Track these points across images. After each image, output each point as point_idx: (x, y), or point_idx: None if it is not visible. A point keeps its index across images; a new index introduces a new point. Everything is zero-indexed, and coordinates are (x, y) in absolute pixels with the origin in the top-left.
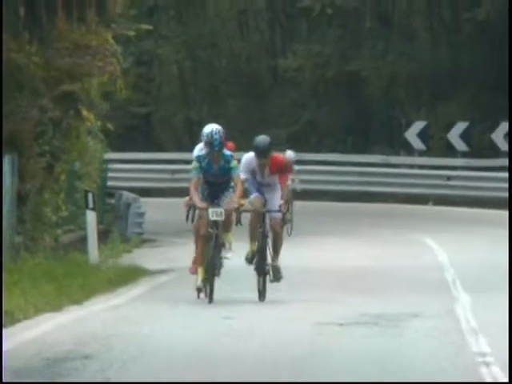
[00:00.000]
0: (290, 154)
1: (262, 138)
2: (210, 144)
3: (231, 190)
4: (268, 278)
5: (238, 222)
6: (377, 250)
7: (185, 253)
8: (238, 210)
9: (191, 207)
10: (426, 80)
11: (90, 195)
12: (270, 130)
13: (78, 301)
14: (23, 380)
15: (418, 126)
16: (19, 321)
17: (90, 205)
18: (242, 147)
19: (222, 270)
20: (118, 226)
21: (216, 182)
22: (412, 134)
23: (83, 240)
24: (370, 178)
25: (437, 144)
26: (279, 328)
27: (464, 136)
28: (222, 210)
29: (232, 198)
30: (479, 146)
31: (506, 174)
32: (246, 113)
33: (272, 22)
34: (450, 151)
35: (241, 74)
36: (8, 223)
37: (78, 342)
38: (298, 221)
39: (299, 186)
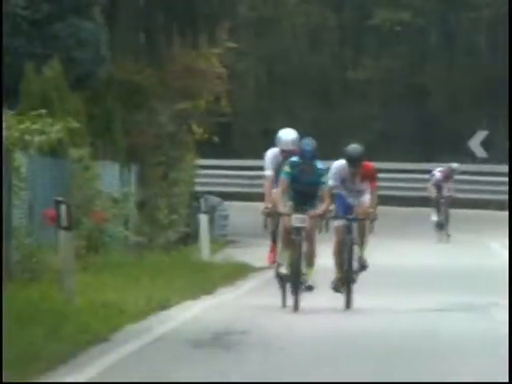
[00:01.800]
0: (454, 165)
1: (354, 147)
2: (302, 155)
3: (317, 202)
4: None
5: (323, 229)
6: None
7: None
8: (323, 218)
9: (268, 215)
10: (489, 91)
11: (202, 200)
12: (341, 139)
13: (208, 291)
14: (198, 349)
15: (481, 135)
16: (172, 305)
17: (203, 208)
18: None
19: None
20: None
21: (303, 192)
22: (475, 143)
23: (184, 239)
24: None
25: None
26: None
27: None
28: (306, 217)
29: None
30: None
31: None
32: (318, 122)
33: (343, 38)
34: None
35: (313, 86)
36: (132, 226)
37: (229, 322)
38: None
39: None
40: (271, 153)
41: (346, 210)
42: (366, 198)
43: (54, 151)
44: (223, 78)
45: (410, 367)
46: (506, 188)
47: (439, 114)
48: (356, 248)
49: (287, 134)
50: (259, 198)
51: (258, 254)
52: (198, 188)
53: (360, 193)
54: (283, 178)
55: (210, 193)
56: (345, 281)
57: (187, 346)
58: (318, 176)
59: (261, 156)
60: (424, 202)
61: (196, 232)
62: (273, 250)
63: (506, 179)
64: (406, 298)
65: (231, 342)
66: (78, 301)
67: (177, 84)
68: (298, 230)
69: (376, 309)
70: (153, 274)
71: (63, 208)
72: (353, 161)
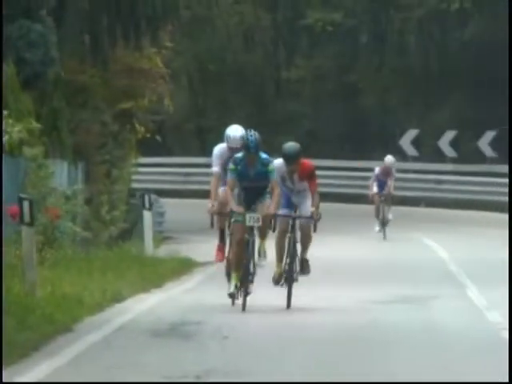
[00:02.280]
0: (390, 158)
1: (291, 145)
2: (245, 147)
3: (268, 195)
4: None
5: (274, 228)
6: (379, 247)
7: (212, 249)
8: (274, 216)
9: (219, 214)
10: (418, 91)
11: (146, 197)
12: (274, 137)
13: (158, 285)
14: (157, 338)
15: (411, 133)
16: (126, 298)
17: (147, 205)
18: None
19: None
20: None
21: (252, 187)
22: (406, 142)
23: (122, 235)
24: (367, 182)
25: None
26: (333, 307)
27: (453, 143)
28: (260, 216)
29: (269, 203)
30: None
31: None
32: (251, 121)
33: (276, 37)
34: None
35: (247, 85)
36: (80, 222)
37: (183, 313)
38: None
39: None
40: (218, 149)
41: (290, 207)
42: (309, 203)
43: (11, 150)
44: (166, 78)
45: (353, 356)
46: (436, 186)
47: (370, 113)
48: (298, 250)
49: (235, 131)
50: (192, 194)
51: (199, 249)
52: (135, 185)
53: (302, 192)
54: (229, 177)
55: (146, 190)
56: (286, 280)
57: (147, 336)
58: (264, 166)
59: (194, 153)
60: (352, 199)
61: (133, 228)
62: (220, 248)
63: (437, 177)
64: (347, 293)
65: (188, 332)
66: (39, 294)
67: (120, 84)
68: (252, 229)
69: (318, 303)
70: (103, 268)
71: (26, 204)
72: (289, 158)
